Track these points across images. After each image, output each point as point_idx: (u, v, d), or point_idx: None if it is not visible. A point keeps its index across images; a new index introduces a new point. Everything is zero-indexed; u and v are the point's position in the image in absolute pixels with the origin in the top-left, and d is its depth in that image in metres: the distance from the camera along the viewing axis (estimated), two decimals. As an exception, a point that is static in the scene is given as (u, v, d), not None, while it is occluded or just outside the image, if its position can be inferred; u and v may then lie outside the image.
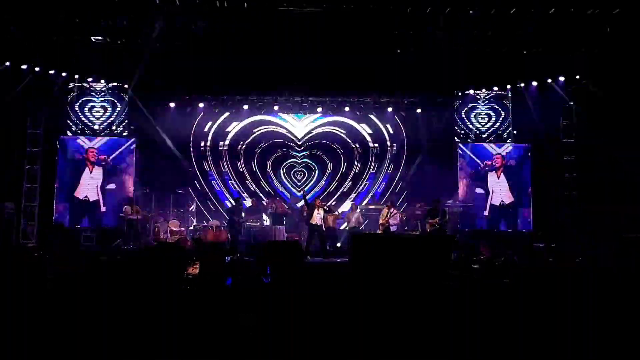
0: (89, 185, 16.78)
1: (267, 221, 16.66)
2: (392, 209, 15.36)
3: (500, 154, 17.55)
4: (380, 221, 15.31)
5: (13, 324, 4.79)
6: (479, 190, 17.48)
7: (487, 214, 17.35)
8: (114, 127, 17.26)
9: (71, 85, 16.94)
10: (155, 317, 4.77)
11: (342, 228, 16.69)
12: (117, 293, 4.89)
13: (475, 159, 17.56)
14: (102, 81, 17.00)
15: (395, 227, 15.48)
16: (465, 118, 17.97)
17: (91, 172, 16.80)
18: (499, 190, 17.46)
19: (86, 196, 16.72)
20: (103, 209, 16.72)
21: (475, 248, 15.31)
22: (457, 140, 17.86)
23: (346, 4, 13.04)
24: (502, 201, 17.45)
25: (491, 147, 17.66)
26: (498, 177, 17.48)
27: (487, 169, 17.48)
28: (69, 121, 17.08)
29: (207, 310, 5.02)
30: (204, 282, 5.86)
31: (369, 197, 18.40)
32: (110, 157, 16.93)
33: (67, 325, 4.75)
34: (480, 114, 17.98)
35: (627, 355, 5.14)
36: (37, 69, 15.54)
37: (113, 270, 5.43)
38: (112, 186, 16.86)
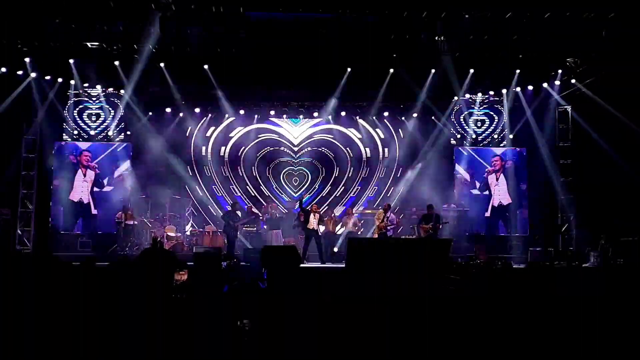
0: (83, 188, 16.81)
1: (263, 226, 16.59)
2: (389, 213, 15.33)
3: (498, 156, 17.60)
4: (377, 223, 15.28)
5: (12, 331, 4.77)
6: (475, 193, 17.53)
7: (488, 215, 17.40)
8: (110, 133, 17.23)
9: (67, 91, 16.91)
10: (146, 324, 4.76)
11: (339, 232, 16.66)
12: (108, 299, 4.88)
13: (474, 162, 17.65)
14: (98, 87, 16.97)
15: (391, 232, 15.49)
16: (461, 122, 17.97)
17: (85, 175, 16.82)
18: (498, 191, 17.48)
19: (80, 199, 16.74)
20: (94, 211, 16.76)
21: (472, 252, 15.34)
22: (454, 144, 17.87)
23: (342, 10, 13.06)
24: (500, 202, 17.45)
25: (489, 151, 17.74)
26: (497, 179, 17.51)
27: (486, 174, 17.53)
28: (65, 127, 17.07)
29: (202, 317, 5.00)
30: (199, 288, 5.84)
31: (365, 201, 18.37)
32: (103, 162, 17.01)
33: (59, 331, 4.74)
34: (476, 118, 17.98)
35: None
36: (33, 75, 15.53)
37: (105, 276, 5.40)
38: (108, 188, 16.96)
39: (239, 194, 18.26)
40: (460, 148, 17.77)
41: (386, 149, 18.58)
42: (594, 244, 14.51)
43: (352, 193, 18.53)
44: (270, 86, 16.88)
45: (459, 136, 17.96)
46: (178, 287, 6.14)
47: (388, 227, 15.21)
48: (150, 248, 9.87)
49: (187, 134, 18.15)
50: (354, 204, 18.03)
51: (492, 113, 17.99)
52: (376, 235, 15.13)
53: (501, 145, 17.84)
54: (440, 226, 15.31)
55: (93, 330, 4.77)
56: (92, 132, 17.21)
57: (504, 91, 17.35)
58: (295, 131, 18.69)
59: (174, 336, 4.85)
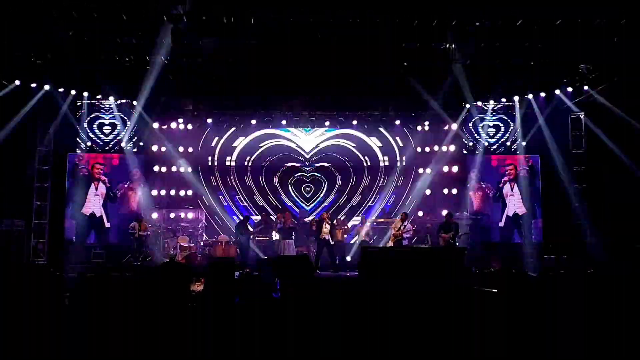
0: (95, 202, 16.89)
1: (275, 236, 16.57)
2: (406, 222, 15.30)
3: (512, 165, 17.51)
4: (393, 232, 15.23)
5: (27, 341, 4.79)
6: (489, 201, 17.45)
7: (502, 225, 17.29)
8: (123, 144, 17.32)
9: (80, 102, 17.02)
10: (163, 334, 4.76)
11: (352, 242, 16.64)
12: (128, 309, 4.89)
13: (487, 170, 17.58)
14: (111, 98, 17.07)
15: (406, 241, 15.44)
16: (473, 130, 17.92)
17: (96, 188, 16.91)
18: (513, 201, 17.40)
19: (92, 212, 16.82)
20: (107, 225, 16.83)
21: (487, 260, 15.24)
22: (466, 152, 17.82)
23: (353, 17, 13.06)
24: (515, 212, 17.38)
25: (502, 159, 17.65)
26: (512, 189, 17.42)
27: (501, 183, 17.46)
28: (78, 138, 17.17)
29: (216, 327, 5.00)
30: (213, 298, 5.85)
31: (379, 210, 18.30)
32: (116, 173, 17.11)
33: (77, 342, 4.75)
34: (488, 125, 17.91)
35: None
36: (46, 87, 15.65)
37: (122, 286, 5.42)
38: (118, 202, 17.02)
39: (252, 204, 18.29)
40: (473, 155, 17.69)
41: (397, 158, 18.54)
42: (610, 252, 14.36)
43: (371, 202, 18.46)
44: (281, 95, 16.91)
45: (471, 144, 17.89)
46: (194, 297, 6.16)
47: (404, 236, 15.17)
48: (168, 262, 9.94)
49: (199, 144, 18.22)
50: (365, 213, 17.98)
51: (504, 120, 17.93)
52: (391, 244, 15.10)
53: (514, 152, 17.76)
54: (461, 235, 15.28)
55: (110, 338, 4.78)
56: (105, 144, 17.31)
57: (516, 98, 17.27)
58: (307, 140, 18.68)
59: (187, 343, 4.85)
